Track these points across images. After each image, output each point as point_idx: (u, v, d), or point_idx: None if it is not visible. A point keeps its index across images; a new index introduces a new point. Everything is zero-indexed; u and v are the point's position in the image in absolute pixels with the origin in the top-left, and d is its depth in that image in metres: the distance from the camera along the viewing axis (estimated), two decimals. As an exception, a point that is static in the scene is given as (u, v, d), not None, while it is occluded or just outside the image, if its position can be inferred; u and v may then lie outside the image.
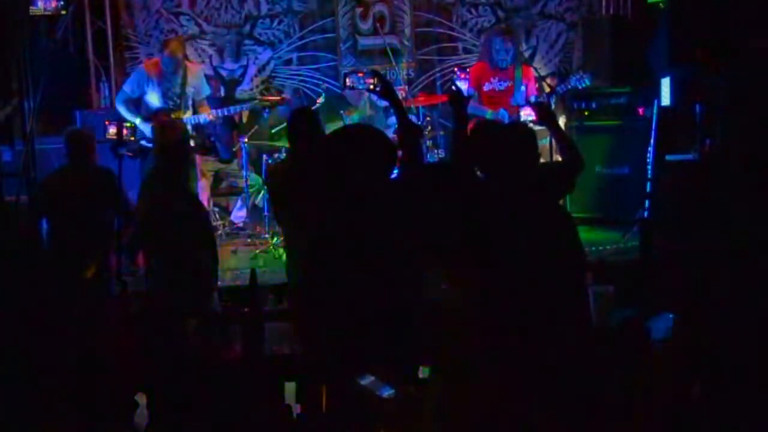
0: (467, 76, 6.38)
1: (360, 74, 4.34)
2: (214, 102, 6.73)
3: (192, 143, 5.57)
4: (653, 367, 2.55)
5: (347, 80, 4.45)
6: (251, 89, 7.56)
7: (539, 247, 3.04)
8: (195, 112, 6.26)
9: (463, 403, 2.58)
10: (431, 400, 2.67)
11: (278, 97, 6.63)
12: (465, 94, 4.09)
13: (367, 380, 3.08)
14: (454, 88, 3.78)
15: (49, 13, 6.12)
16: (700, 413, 2.53)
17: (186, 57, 6.44)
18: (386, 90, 3.71)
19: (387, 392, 3.03)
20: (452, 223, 2.87)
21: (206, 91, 6.45)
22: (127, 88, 6.26)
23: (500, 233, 2.81)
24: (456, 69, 6.62)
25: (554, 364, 2.68)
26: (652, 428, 2.53)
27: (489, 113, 6.36)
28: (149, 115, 6.09)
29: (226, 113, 6.42)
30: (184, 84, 6.20)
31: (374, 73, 3.90)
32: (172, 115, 6.00)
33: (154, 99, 6.19)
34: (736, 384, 2.54)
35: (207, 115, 6.24)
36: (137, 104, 6.23)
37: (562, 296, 3.05)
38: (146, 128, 5.99)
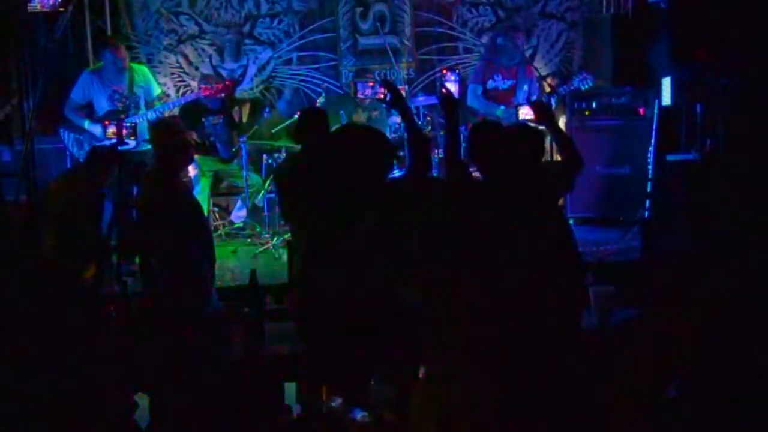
0: (457, 78, 6.35)
1: (370, 84, 4.36)
2: (213, 103, 6.71)
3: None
4: (620, 368, 2.52)
5: (357, 91, 4.47)
6: (251, 89, 7.55)
7: (532, 249, 3.03)
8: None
9: (450, 408, 2.56)
10: (419, 404, 2.65)
11: (219, 84, 6.47)
12: (455, 95, 4.11)
13: (336, 402, 3.08)
14: (444, 90, 3.79)
15: (47, 10, 6.10)
16: (676, 413, 2.49)
17: (125, 63, 6.34)
18: (396, 99, 3.71)
19: (360, 415, 3.02)
20: (445, 228, 2.87)
21: (156, 90, 6.42)
22: (74, 95, 6.21)
23: (493, 235, 2.79)
24: (444, 71, 6.57)
25: (544, 367, 2.67)
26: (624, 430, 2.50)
27: (500, 109, 6.37)
28: (99, 119, 6.04)
29: (170, 107, 6.37)
30: (131, 84, 6.17)
31: (384, 82, 3.91)
32: (122, 117, 5.93)
33: (101, 102, 6.16)
34: (718, 382, 2.50)
35: (153, 111, 6.17)
36: (87, 110, 6.20)
37: (556, 298, 3.04)
38: (96, 129, 6.01)
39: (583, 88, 6.25)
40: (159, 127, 4.71)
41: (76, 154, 6.17)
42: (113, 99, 6.12)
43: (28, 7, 6.02)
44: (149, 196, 4.37)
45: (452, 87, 5.96)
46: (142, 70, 6.43)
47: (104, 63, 6.24)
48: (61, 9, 6.22)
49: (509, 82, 6.48)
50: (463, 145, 6.23)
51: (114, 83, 6.18)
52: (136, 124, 5.49)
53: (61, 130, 6.27)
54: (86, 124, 6.10)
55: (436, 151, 6.64)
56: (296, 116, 6.32)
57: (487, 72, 6.50)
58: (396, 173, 6.16)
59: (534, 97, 6.31)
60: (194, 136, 4.88)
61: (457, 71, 6.31)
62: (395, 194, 3.49)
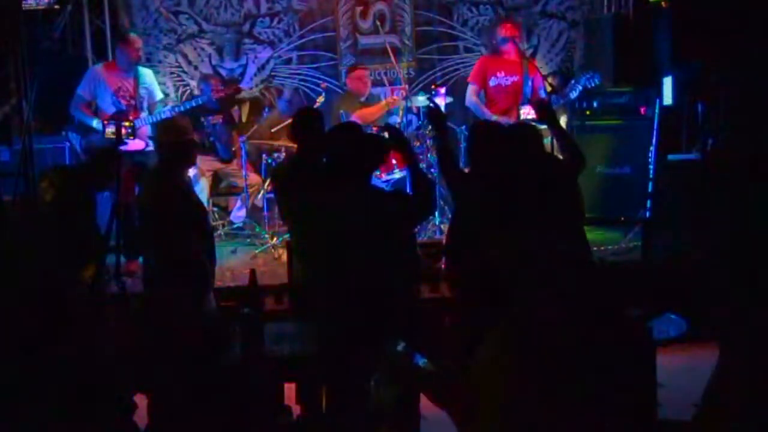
0: (446, 92, 6.31)
1: (374, 129, 4.43)
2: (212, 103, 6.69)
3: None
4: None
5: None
6: (251, 88, 7.53)
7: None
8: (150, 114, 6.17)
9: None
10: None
11: (232, 89, 6.48)
12: (443, 110, 4.13)
13: (401, 346, 3.04)
14: (431, 105, 3.81)
15: (43, 7, 6.08)
16: None
17: (139, 58, 6.39)
18: (399, 144, 3.73)
19: (422, 361, 2.98)
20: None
21: (159, 95, 6.41)
22: (81, 91, 6.14)
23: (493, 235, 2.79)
24: (434, 86, 6.57)
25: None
26: None
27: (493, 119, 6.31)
28: (104, 118, 5.80)
29: (181, 109, 6.28)
30: (136, 85, 6.14)
31: (387, 127, 3.95)
32: (131, 117, 5.85)
33: (106, 99, 6.10)
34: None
35: (165, 111, 6.14)
36: (93, 107, 6.15)
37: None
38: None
39: (590, 86, 6.15)
40: (165, 126, 4.69)
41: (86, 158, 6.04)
42: (118, 97, 6.07)
43: (23, 5, 5.99)
44: (151, 195, 4.37)
45: (440, 101, 5.95)
46: (147, 73, 6.39)
47: (117, 57, 6.19)
48: (56, 6, 6.20)
49: (513, 79, 6.26)
50: (463, 144, 6.25)
51: (121, 80, 6.12)
52: (134, 123, 5.44)
53: (70, 134, 6.19)
54: (95, 123, 5.95)
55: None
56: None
57: (488, 69, 6.37)
58: (396, 173, 6.17)
59: (542, 92, 6.23)
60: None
61: (446, 86, 6.30)
62: (391, 206, 3.49)
